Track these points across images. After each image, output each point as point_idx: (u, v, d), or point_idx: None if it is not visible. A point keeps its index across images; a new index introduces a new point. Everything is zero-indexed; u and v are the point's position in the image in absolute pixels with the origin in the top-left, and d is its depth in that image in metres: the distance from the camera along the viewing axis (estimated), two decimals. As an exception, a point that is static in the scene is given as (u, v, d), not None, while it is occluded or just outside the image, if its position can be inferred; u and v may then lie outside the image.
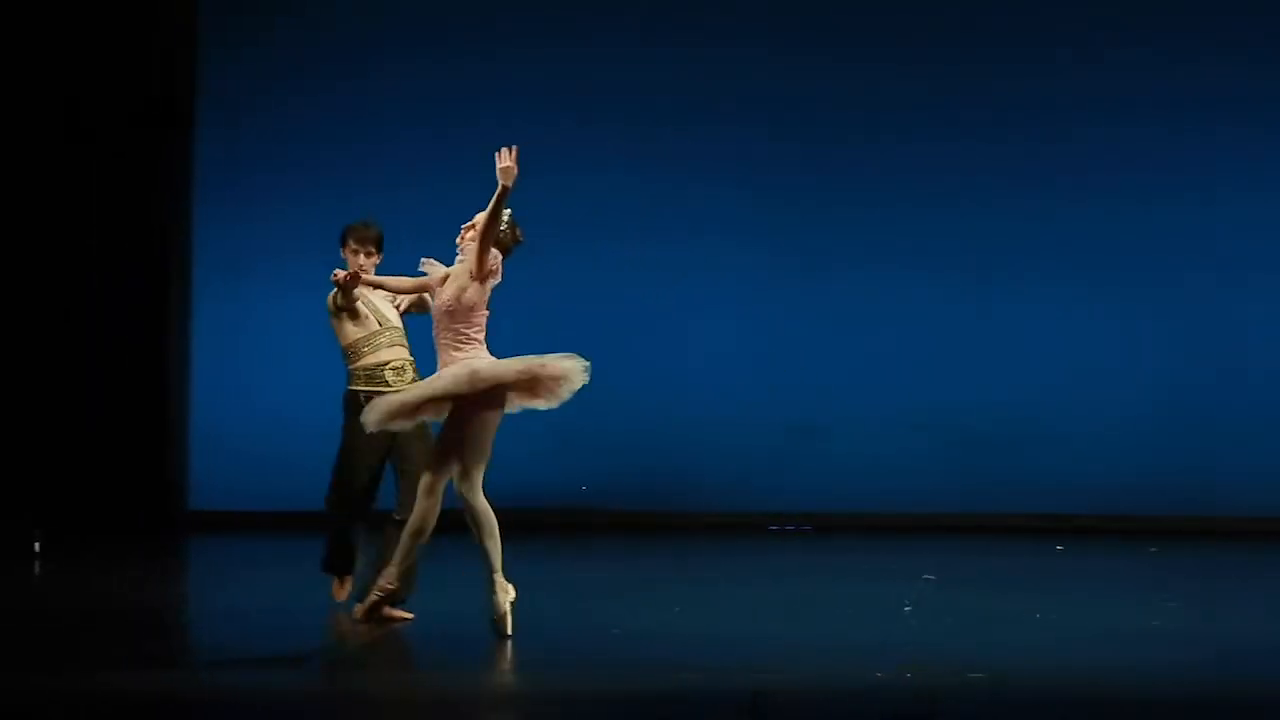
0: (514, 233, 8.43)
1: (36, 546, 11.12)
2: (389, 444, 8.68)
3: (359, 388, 8.72)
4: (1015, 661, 7.61)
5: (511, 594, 8.22)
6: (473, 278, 8.22)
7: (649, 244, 13.02)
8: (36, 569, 10.78)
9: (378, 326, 8.79)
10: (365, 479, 8.82)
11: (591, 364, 12.78)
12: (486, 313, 8.31)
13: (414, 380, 8.66)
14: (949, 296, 12.87)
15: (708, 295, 13.03)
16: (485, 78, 13.02)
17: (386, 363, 8.76)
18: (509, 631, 8.13)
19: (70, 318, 12.45)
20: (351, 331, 8.74)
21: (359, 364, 8.73)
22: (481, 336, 8.31)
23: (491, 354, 8.31)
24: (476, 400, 8.22)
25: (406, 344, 8.83)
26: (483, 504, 8.26)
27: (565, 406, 12.71)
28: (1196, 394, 12.73)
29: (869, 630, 8.33)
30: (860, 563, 11.11)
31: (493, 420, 8.29)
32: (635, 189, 12.99)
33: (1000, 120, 12.88)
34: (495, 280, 8.28)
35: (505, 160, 8.23)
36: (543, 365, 8.32)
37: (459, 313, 8.24)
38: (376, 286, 8.63)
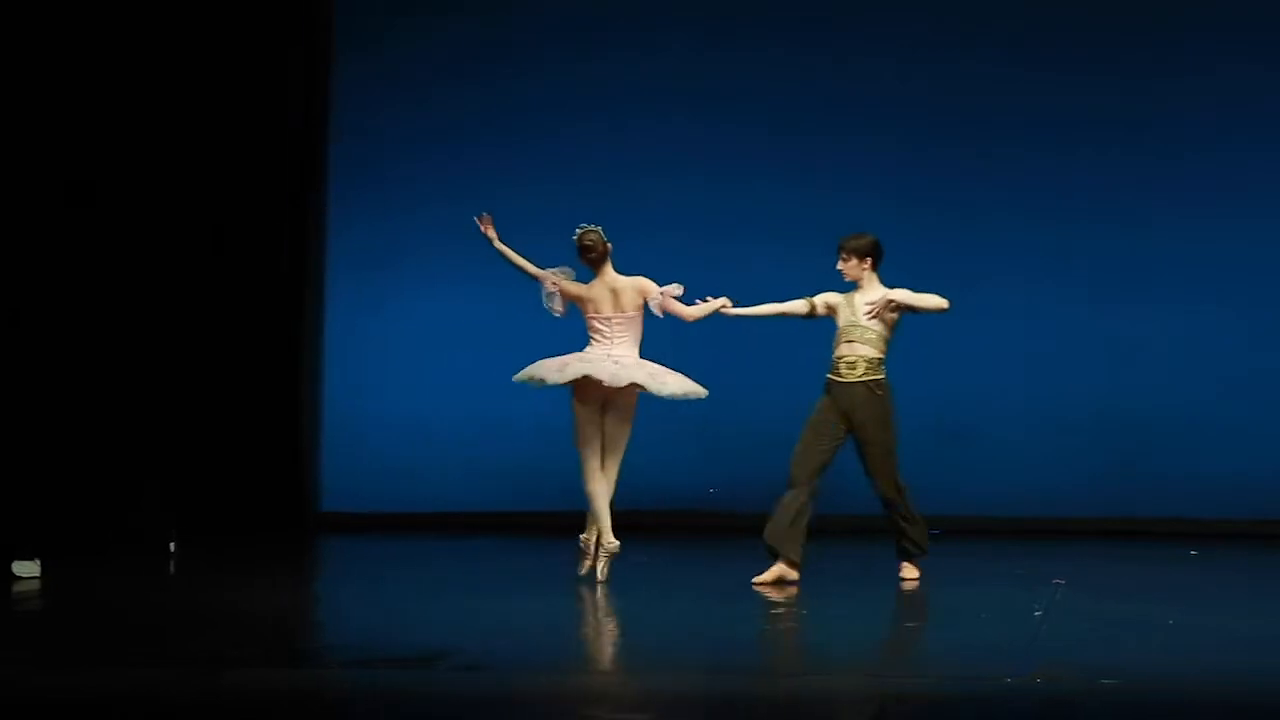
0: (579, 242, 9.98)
1: (172, 546, 11.28)
2: (845, 429, 9.95)
3: (829, 374, 10.08)
4: (1148, 668, 7.52)
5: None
6: None
7: (779, 246, 13.01)
8: (172, 568, 10.94)
9: (842, 325, 10.03)
10: (809, 452, 9.97)
11: (728, 367, 12.98)
12: (590, 318, 9.93)
13: (864, 374, 9.94)
14: (1090, 303, 12.77)
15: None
16: (623, 78, 13.08)
17: (841, 356, 9.99)
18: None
19: (206, 319, 12.59)
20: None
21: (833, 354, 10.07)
22: (594, 336, 9.95)
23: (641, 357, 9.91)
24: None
25: (870, 342, 9.97)
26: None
27: (700, 408, 12.93)
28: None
29: (999, 634, 8.25)
30: (990, 567, 11.01)
31: (576, 408, 9.91)
32: (775, 193, 13.00)
33: (1145, 136, 12.80)
34: (553, 293, 9.99)
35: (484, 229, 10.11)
36: (563, 369, 9.90)
37: None
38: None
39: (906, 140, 12.97)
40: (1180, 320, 12.70)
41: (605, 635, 8.42)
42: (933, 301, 10.03)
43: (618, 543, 9.82)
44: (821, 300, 10.13)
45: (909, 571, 10.15)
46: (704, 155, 13.02)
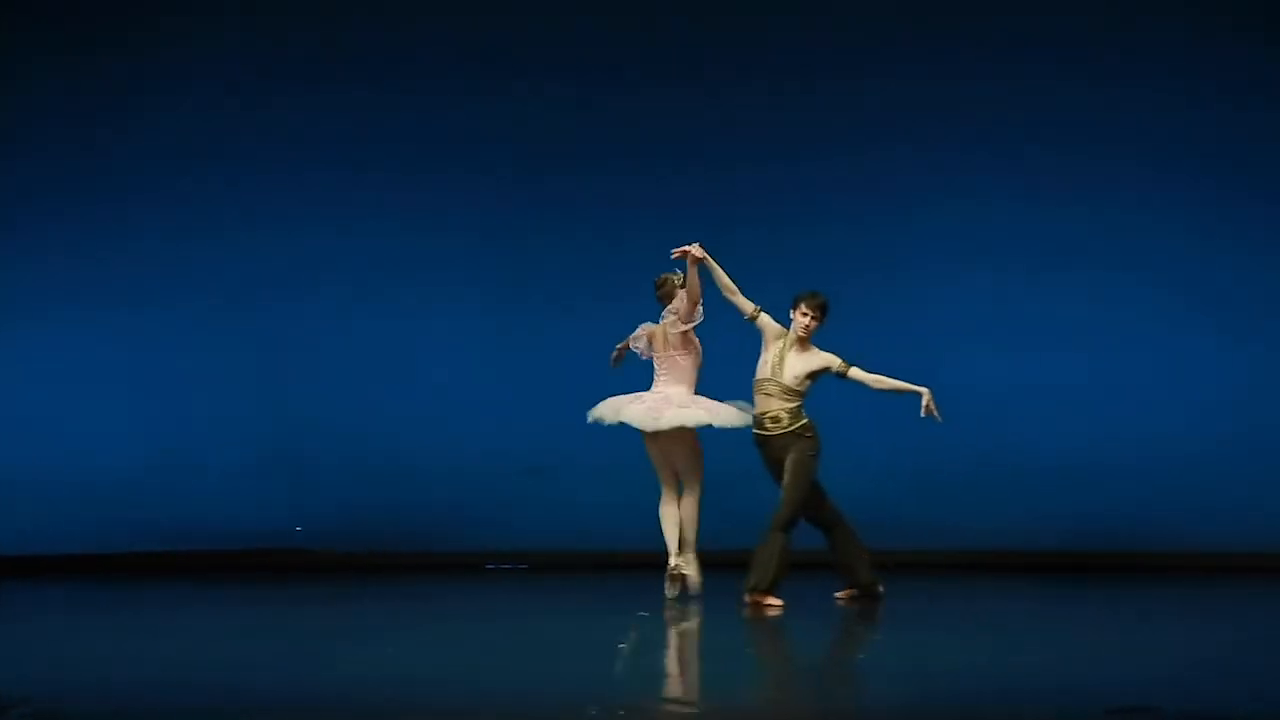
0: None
1: None
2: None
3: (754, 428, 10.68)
4: (729, 695, 7.70)
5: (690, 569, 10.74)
6: None
7: (373, 280, 13.00)
8: None
9: (761, 376, 10.57)
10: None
11: (311, 402, 12.88)
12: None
13: (789, 425, 10.46)
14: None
15: (431, 334, 13.04)
16: (241, 125, 12.93)
17: (765, 412, 10.54)
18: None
19: None
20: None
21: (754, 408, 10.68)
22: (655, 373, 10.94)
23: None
24: None
25: (789, 397, 10.49)
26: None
27: (282, 443, 12.86)
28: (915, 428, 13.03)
29: (583, 668, 8.34)
30: (577, 600, 11.15)
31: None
32: (363, 231, 12.99)
33: (703, 151, 13.12)
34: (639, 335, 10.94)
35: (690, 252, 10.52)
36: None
37: None
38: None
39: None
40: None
41: (179, 680, 8.23)
42: (884, 384, 10.50)
43: (676, 564, 10.69)
44: (764, 319, 10.61)
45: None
46: (337, 205, 13.00)
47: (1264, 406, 12.85)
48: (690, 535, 10.78)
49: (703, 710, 7.25)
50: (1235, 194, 12.90)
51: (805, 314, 10.50)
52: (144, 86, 12.96)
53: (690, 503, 10.79)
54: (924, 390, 10.40)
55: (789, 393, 10.50)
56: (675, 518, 10.78)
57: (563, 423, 12.93)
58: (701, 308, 10.66)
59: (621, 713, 7.18)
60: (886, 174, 13.01)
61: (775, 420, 10.49)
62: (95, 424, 12.82)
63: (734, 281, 10.56)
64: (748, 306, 10.60)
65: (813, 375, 10.54)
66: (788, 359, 10.54)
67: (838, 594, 10.75)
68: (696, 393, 10.81)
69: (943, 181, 12.99)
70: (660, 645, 9.06)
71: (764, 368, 10.57)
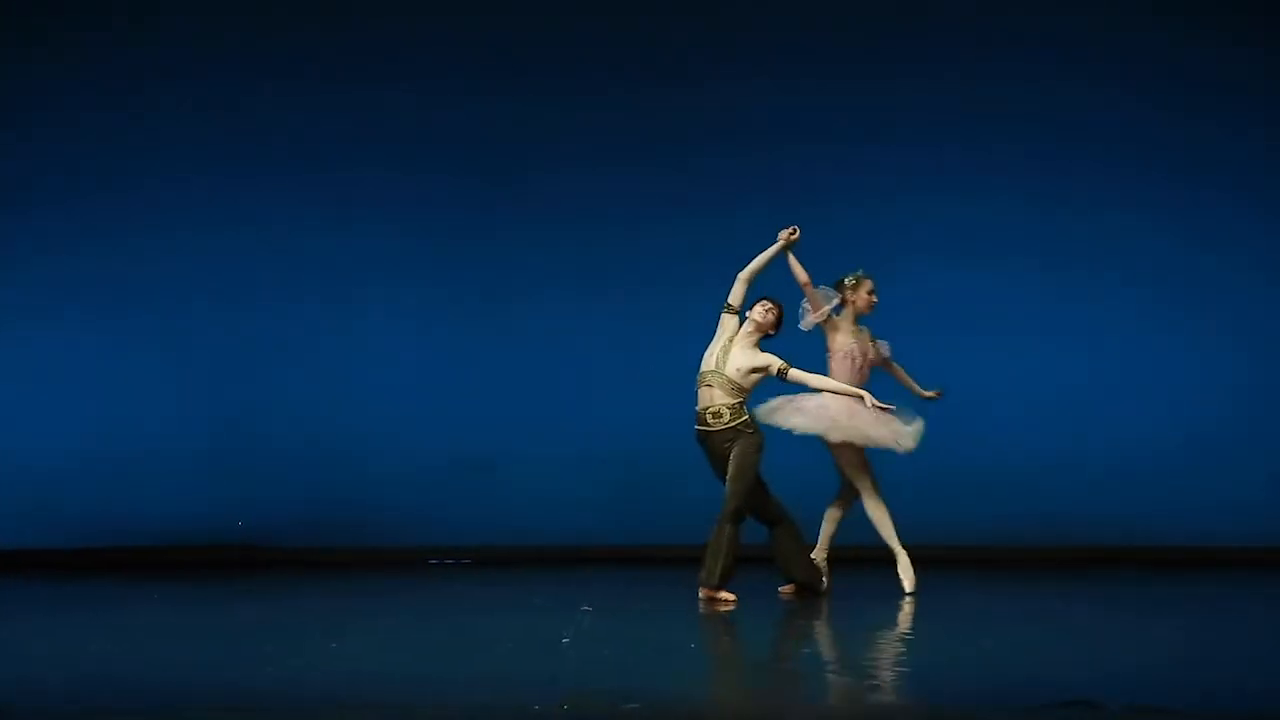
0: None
1: None
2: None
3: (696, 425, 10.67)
4: (670, 692, 7.71)
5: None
6: None
7: (317, 274, 12.97)
8: None
9: (705, 368, 10.58)
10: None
11: (256, 400, 12.84)
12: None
13: (730, 420, 10.45)
14: (615, 331, 13.02)
15: (376, 329, 13.00)
16: (138, 130, 12.89)
17: (706, 407, 10.54)
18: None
19: None
20: None
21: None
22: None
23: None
24: None
25: (732, 392, 10.46)
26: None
27: (218, 436, 12.81)
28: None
29: (527, 663, 8.35)
30: (521, 595, 11.14)
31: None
32: (307, 224, 12.95)
33: (642, 151, 13.11)
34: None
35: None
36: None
37: None
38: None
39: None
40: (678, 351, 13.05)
41: (116, 677, 8.20)
42: (817, 383, 10.57)
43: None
44: (732, 317, 10.63)
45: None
46: (297, 206, 12.99)
47: (1255, 406, 12.97)
48: (882, 533, 10.84)
49: (644, 704, 7.27)
50: (1232, 195, 12.99)
51: (764, 307, 10.57)
52: (143, 86, 12.89)
53: (865, 505, 10.87)
54: (864, 393, 10.48)
55: (732, 386, 10.49)
56: (834, 516, 10.98)
57: (508, 418, 12.97)
58: (818, 297, 10.76)
59: (565, 707, 7.19)
60: (886, 173, 13.03)
61: (717, 415, 10.50)
62: (41, 420, 12.75)
63: (754, 278, 10.61)
64: (736, 300, 10.65)
65: (756, 370, 10.54)
66: (732, 352, 10.55)
67: (781, 589, 10.78)
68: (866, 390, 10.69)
69: (943, 181, 13.02)
70: (605, 640, 9.06)
71: (708, 359, 10.59)
